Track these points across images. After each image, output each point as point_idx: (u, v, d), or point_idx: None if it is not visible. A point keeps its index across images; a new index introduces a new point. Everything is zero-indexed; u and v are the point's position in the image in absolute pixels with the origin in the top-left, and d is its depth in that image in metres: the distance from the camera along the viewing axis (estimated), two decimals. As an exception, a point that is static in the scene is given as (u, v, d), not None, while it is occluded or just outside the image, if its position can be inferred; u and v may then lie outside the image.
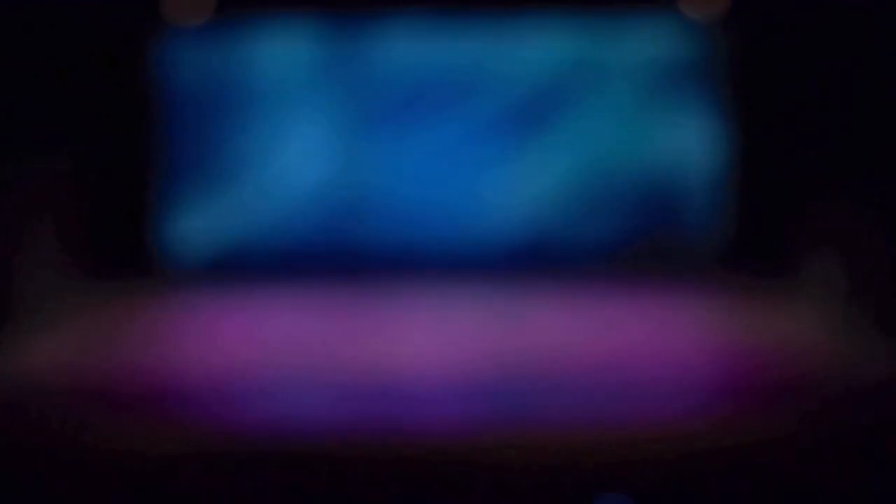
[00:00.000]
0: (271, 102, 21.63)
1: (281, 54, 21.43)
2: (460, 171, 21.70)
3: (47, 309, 16.77)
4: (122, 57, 20.10)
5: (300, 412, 12.06)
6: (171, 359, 14.42)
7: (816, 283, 16.83)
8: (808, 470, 11.23)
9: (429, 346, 14.98)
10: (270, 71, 21.49)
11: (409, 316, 16.94)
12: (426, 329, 15.99)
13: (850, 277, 15.26)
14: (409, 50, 21.65)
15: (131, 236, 21.15)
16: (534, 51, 21.60)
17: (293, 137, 21.76)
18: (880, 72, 14.56)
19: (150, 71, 21.11)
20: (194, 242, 22.01)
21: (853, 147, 15.23)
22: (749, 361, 14.02)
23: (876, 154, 14.71)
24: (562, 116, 21.77)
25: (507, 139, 21.74)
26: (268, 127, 21.69)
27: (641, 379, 13.09)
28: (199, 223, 21.95)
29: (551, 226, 21.99)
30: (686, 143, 21.61)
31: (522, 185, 21.75)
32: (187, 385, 13.44)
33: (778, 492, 11.24)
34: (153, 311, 17.49)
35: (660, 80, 21.69)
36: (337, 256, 21.68)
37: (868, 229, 14.79)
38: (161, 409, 12.51)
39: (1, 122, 15.15)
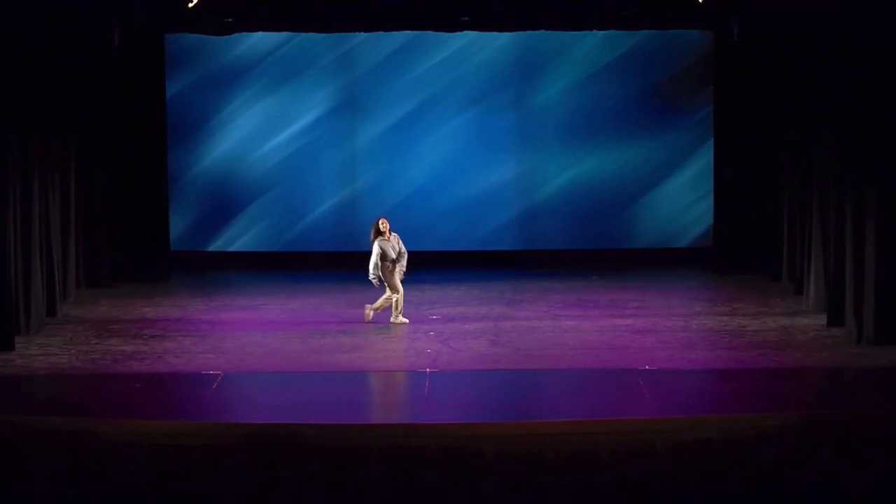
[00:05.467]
0: (270, 104, 21.66)
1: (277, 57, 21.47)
2: (465, 171, 21.73)
3: (54, 310, 16.82)
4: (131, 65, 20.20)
5: (304, 406, 12.05)
6: (176, 357, 14.42)
7: (811, 281, 16.85)
8: (806, 465, 11.23)
9: (429, 342, 14.99)
10: (268, 73, 21.52)
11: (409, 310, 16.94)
12: (426, 323, 16.01)
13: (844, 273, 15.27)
14: (412, 54, 21.71)
15: (138, 238, 21.27)
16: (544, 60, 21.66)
17: (293, 139, 21.77)
18: (875, 76, 14.57)
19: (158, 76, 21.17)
20: (199, 244, 22.04)
21: (850, 149, 15.24)
22: (745, 358, 14.02)
23: (871, 154, 14.72)
24: (562, 117, 21.79)
25: (511, 140, 21.77)
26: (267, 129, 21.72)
27: (639, 373, 13.10)
28: (205, 226, 21.99)
29: (551, 226, 22.01)
30: (684, 146, 21.63)
31: (523, 188, 21.77)
32: (192, 382, 13.44)
33: (776, 487, 11.25)
34: (159, 310, 17.51)
35: (663, 87, 21.73)
36: (337, 255, 21.66)
37: (863, 228, 14.79)
38: (167, 405, 12.54)
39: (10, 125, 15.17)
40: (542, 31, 20.25)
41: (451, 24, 19.03)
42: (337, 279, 19.93)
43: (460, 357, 14.44)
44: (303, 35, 20.64)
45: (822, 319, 16.04)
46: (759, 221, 20.14)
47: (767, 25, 18.17)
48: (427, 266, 21.01)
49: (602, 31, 20.51)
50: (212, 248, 21.61)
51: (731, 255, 20.75)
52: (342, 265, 21.00)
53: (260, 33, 20.59)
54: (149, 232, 21.04)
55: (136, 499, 11.04)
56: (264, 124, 21.42)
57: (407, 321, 16.30)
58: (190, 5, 16.63)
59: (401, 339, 15.51)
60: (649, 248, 21.59)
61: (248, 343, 15.29)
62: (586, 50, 21.32)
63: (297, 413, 12.00)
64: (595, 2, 18.14)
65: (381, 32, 20.29)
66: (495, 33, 20.46)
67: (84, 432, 11.26)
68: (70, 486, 11.07)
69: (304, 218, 21.51)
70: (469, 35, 20.57)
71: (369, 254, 16.28)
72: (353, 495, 10.99)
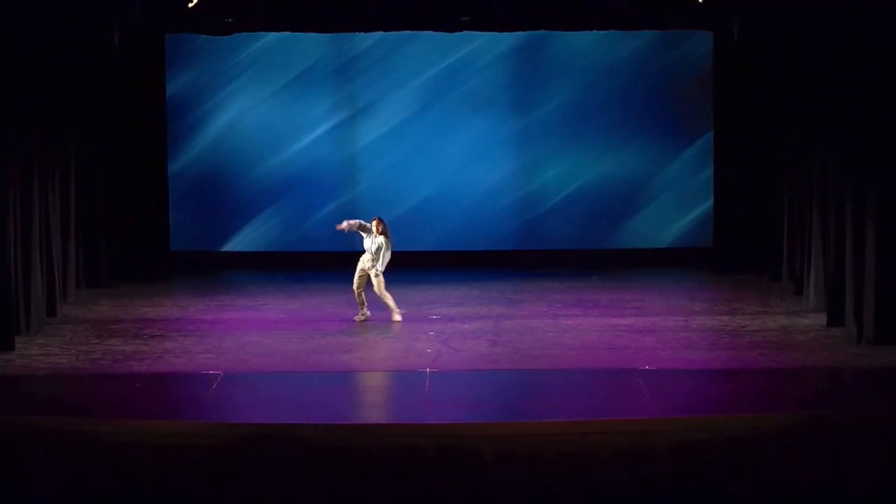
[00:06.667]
0: (272, 102, 21.66)
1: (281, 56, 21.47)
2: (468, 169, 21.74)
3: (56, 309, 16.82)
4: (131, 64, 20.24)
5: (304, 406, 12.06)
6: (176, 357, 14.43)
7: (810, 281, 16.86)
8: (806, 465, 11.24)
9: (429, 343, 15.00)
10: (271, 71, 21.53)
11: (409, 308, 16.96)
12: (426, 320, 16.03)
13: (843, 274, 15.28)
14: (415, 54, 21.71)
15: (138, 238, 21.29)
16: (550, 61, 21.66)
17: (296, 136, 21.77)
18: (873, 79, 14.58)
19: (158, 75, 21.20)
20: (201, 243, 22.06)
21: (848, 149, 15.25)
22: (745, 358, 14.03)
23: (868, 154, 14.74)
24: (562, 117, 21.79)
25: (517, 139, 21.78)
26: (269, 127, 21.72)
27: (639, 373, 13.11)
28: (205, 226, 22.02)
29: (551, 226, 22.01)
30: (684, 146, 21.64)
31: (523, 188, 21.77)
32: (192, 382, 13.44)
33: (776, 486, 11.25)
34: (159, 310, 17.51)
35: (663, 88, 21.73)
36: (338, 255, 21.64)
37: (862, 229, 14.80)
38: (168, 405, 12.54)
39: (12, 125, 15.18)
40: (542, 32, 20.25)
41: (451, 24, 19.03)
42: (337, 279, 19.89)
43: (460, 357, 14.44)
44: (303, 35, 20.62)
45: (822, 319, 16.04)
46: (759, 221, 20.13)
47: (767, 25, 18.17)
48: (427, 266, 21.06)
49: (602, 31, 20.49)
50: (212, 248, 21.60)
51: (731, 255, 20.75)
52: (342, 265, 20.99)
53: (260, 33, 20.58)
54: (149, 232, 21.04)
55: (136, 499, 11.04)
56: (265, 124, 21.40)
57: (356, 320, 16.57)
58: (190, 5, 16.63)
59: (401, 339, 15.51)
60: (649, 248, 21.59)
61: (248, 343, 15.29)
62: (586, 50, 21.32)
63: (297, 413, 12.00)
64: (595, 2, 18.13)
65: (381, 33, 20.28)
66: (495, 34, 20.45)
67: (84, 432, 11.27)
68: (70, 486, 11.08)
69: (306, 218, 21.50)
70: (469, 36, 20.55)
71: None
72: (353, 495, 11.00)
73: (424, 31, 20.25)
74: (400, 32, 20.33)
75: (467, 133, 21.46)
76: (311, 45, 21.14)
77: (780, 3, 16.87)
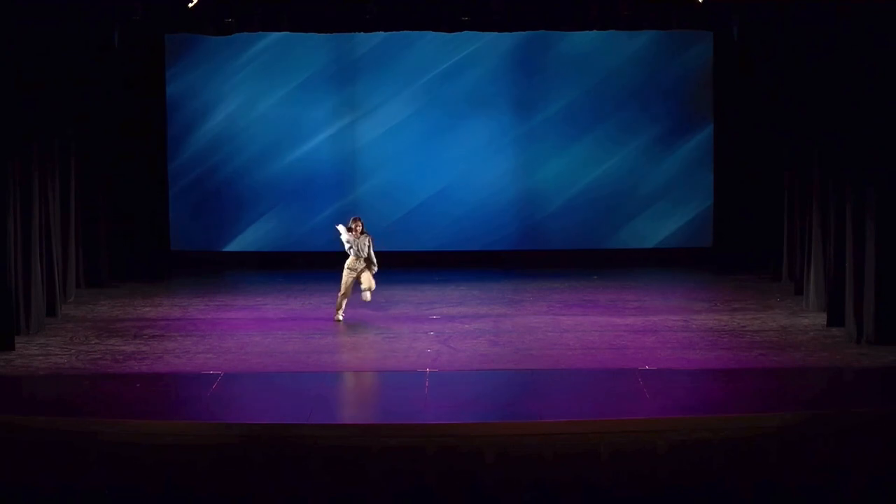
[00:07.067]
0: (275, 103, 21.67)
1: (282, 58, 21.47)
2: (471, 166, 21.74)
3: (56, 309, 16.81)
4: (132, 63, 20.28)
5: (304, 406, 12.06)
6: (176, 357, 14.43)
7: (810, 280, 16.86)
8: (805, 465, 11.24)
9: (429, 342, 15.00)
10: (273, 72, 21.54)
11: (408, 308, 16.96)
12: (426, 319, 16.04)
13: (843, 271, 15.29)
14: (418, 53, 21.72)
15: (138, 238, 21.30)
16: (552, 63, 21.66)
17: (296, 136, 21.77)
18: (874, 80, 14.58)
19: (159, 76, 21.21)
20: (203, 243, 22.07)
21: (847, 149, 15.25)
22: (745, 358, 14.04)
23: (868, 152, 14.74)
24: (562, 118, 21.80)
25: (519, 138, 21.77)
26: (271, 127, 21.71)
27: (639, 373, 13.11)
28: (205, 226, 22.03)
29: (551, 226, 22.01)
30: (683, 146, 21.64)
31: (523, 188, 21.78)
32: (192, 382, 13.44)
33: (775, 486, 11.26)
34: (159, 310, 17.51)
35: (663, 87, 21.74)
36: (338, 255, 21.63)
37: (861, 226, 14.81)
38: (169, 404, 12.55)
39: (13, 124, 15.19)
40: (542, 32, 20.23)
41: (452, 25, 19.01)
42: (337, 279, 19.88)
43: (460, 357, 14.45)
44: (304, 36, 20.58)
45: (822, 319, 16.04)
46: (759, 221, 20.14)
47: (767, 25, 18.17)
48: (427, 266, 21.06)
49: (602, 31, 20.46)
50: (212, 248, 21.59)
51: (731, 255, 20.76)
52: (342, 266, 20.98)
53: (261, 33, 20.56)
54: (149, 232, 21.05)
55: (136, 499, 11.05)
56: (265, 124, 21.39)
57: (340, 319, 16.58)
58: (190, 5, 16.61)
59: (401, 339, 15.50)
60: (649, 249, 21.58)
61: (248, 343, 15.29)
62: (586, 50, 21.31)
63: (297, 413, 12.01)
64: (595, 2, 18.11)
65: (382, 33, 20.24)
66: (496, 34, 20.43)
67: (84, 432, 11.28)
68: (70, 486, 11.08)
69: (306, 218, 21.48)
70: (470, 36, 20.51)
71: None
72: (352, 495, 11.00)
73: (425, 32, 20.24)
74: (400, 33, 20.31)
75: (468, 133, 21.45)
76: (312, 46, 21.12)
77: (780, 3, 16.86)
